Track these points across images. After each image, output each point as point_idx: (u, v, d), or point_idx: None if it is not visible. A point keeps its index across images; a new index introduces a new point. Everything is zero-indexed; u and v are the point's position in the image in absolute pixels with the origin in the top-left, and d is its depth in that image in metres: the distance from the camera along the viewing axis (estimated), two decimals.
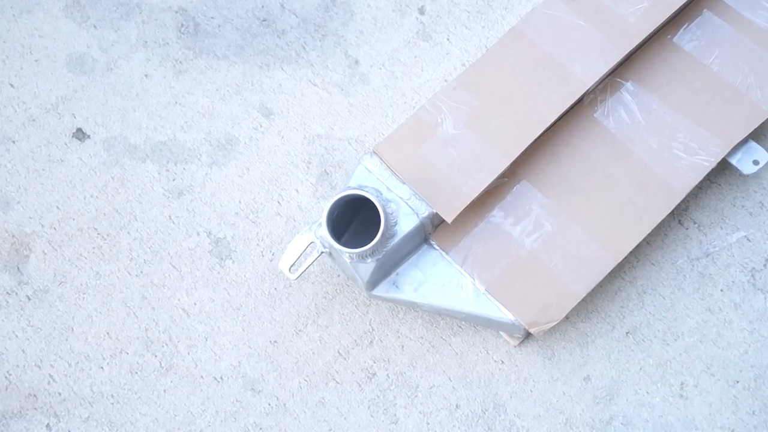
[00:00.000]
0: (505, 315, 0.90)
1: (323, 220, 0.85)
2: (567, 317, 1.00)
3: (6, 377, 1.00)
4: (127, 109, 1.13)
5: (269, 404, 0.99)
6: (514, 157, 0.91)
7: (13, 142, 1.12)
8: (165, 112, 1.13)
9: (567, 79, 0.94)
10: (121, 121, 1.13)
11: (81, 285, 1.05)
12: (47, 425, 0.98)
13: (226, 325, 1.03)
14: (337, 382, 1.00)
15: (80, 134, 1.12)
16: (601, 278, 0.91)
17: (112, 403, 0.99)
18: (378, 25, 1.17)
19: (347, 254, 0.85)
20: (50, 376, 1.01)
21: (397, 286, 0.93)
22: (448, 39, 1.16)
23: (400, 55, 1.15)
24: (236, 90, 1.14)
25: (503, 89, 0.94)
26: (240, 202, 1.08)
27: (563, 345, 1.01)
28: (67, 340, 1.02)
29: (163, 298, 1.04)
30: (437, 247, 0.94)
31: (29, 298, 1.04)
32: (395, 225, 0.88)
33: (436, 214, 0.90)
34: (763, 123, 0.97)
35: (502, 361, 1.00)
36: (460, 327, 1.01)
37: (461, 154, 0.92)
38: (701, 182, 0.97)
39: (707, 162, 0.94)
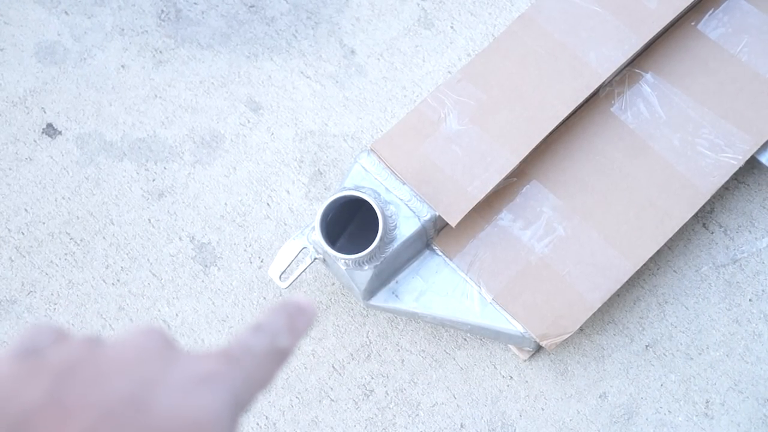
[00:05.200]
0: (514, 327, 0.90)
1: (316, 223, 0.85)
2: (581, 329, 1.00)
3: None
4: (102, 102, 1.13)
5: (258, 424, 0.99)
6: (524, 155, 0.91)
7: None
8: (144, 106, 1.13)
9: (581, 70, 0.94)
10: (96, 116, 1.12)
11: (52, 295, 1.04)
12: None
13: (210, 337, 1.02)
14: (332, 400, 1.00)
15: (51, 130, 1.12)
16: (619, 287, 0.91)
17: None
18: (376, 12, 1.17)
19: (342, 261, 0.85)
20: None
21: (396, 296, 0.93)
22: (452, 27, 1.16)
23: (399, 45, 1.15)
24: (221, 82, 1.14)
25: (512, 81, 0.94)
26: (226, 204, 1.08)
27: (577, 359, 1.01)
28: None
29: (142, 309, 1.04)
30: (440, 253, 0.94)
31: None
32: (394, 229, 0.88)
33: (439, 217, 0.90)
34: None
35: (511, 377, 1.00)
36: (465, 340, 1.01)
37: (466, 152, 0.92)
38: (728, 182, 0.97)
39: (735, 160, 0.94)
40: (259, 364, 0.31)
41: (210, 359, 0.29)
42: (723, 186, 0.95)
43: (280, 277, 0.92)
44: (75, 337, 0.28)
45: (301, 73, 1.14)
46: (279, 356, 0.32)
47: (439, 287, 0.93)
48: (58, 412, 0.25)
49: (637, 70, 0.98)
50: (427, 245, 0.94)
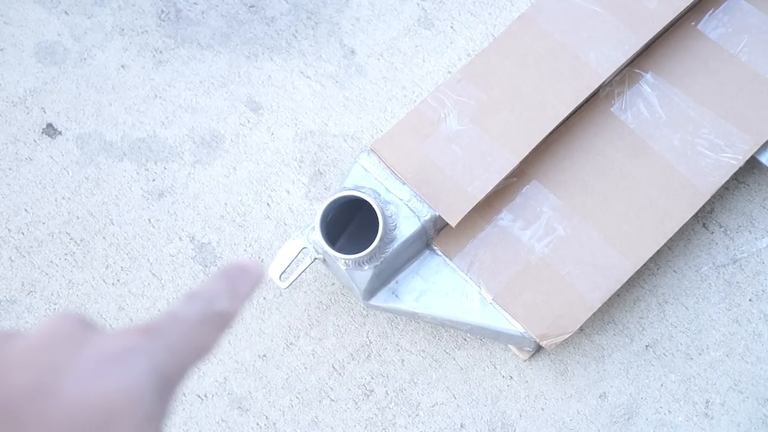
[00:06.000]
0: (514, 327, 0.90)
1: (316, 223, 0.85)
2: (581, 329, 1.00)
3: None
4: (102, 102, 1.13)
5: (258, 424, 0.99)
6: (524, 155, 0.91)
7: None
8: (144, 106, 1.13)
9: (581, 71, 0.94)
10: (96, 116, 1.12)
11: (52, 295, 1.04)
12: None
13: None
14: (332, 400, 1.00)
15: (51, 130, 1.12)
16: (619, 287, 0.91)
17: None
18: (376, 12, 1.17)
19: (342, 261, 0.85)
20: None
21: (396, 296, 0.93)
22: (452, 27, 1.16)
23: (399, 45, 1.15)
24: (221, 82, 1.14)
25: (512, 81, 0.94)
26: (226, 204, 1.08)
27: (577, 359, 1.00)
28: None
29: (142, 309, 1.04)
30: (440, 253, 0.94)
31: None
32: (394, 229, 0.88)
33: (439, 217, 0.90)
34: None
35: (511, 377, 1.00)
36: (465, 340, 1.01)
37: (466, 152, 0.91)
38: (728, 182, 0.97)
39: (735, 160, 0.94)
40: (193, 331, 0.29)
41: (126, 335, 0.27)
42: (723, 186, 0.95)
43: (280, 277, 0.92)
44: None
45: (301, 73, 1.14)
46: (218, 321, 0.31)
47: (439, 287, 0.93)
48: None
49: (637, 70, 0.98)
50: (427, 245, 0.94)
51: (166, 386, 0.27)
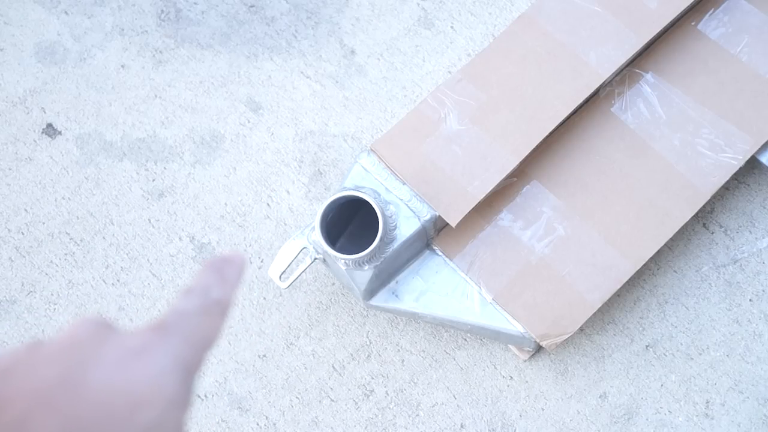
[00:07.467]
0: (514, 327, 0.90)
1: (316, 223, 0.85)
2: (581, 329, 1.01)
3: None
4: (102, 102, 1.13)
5: (258, 424, 0.99)
6: (524, 155, 0.91)
7: None
8: (144, 106, 1.13)
9: (581, 71, 0.94)
10: (96, 116, 1.12)
11: (52, 295, 1.04)
12: None
13: None
14: (332, 400, 1.00)
15: (51, 130, 1.12)
16: (619, 287, 0.91)
17: None
18: (376, 12, 1.17)
19: (342, 261, 0.85)
20: None
21: (396, 296, 0.93)
22: (452, 27, 1.16)
23: (399, 45, 1.15)
24: (221, 82, 1.14)
25: (512, 81, 0.94)
26: (226, 204, 1.08)
27: (577, 359, 1.01)
28: None
29: (142, 309, 1.04)
30: (440, 253, 0.94)
31: None
32: (395, 229, 0.88)
33: (439, 217, 0.90)
34: None
35: (511, 377, 1.00)
36: (465, 340, 1.01)
37: (466, 152, 0.92)
38: (728, 182, 0.97)
39: (735, 160, 0.94)
40: (199, 322, 0.32)
41: (143, 333, 0.30)
42: (723, 186, 0.95)
43: (280, 277, 0.92)
44: (17, 347, 0.29)
45: (301, 73, 1.14)
46: (218, 308, 0.33)
47: (439, 287, 0.93)
48: None
49: (637, 70, 0.98)
50: (427, 245, 0.94)
51: (187, 374, 0.30)
